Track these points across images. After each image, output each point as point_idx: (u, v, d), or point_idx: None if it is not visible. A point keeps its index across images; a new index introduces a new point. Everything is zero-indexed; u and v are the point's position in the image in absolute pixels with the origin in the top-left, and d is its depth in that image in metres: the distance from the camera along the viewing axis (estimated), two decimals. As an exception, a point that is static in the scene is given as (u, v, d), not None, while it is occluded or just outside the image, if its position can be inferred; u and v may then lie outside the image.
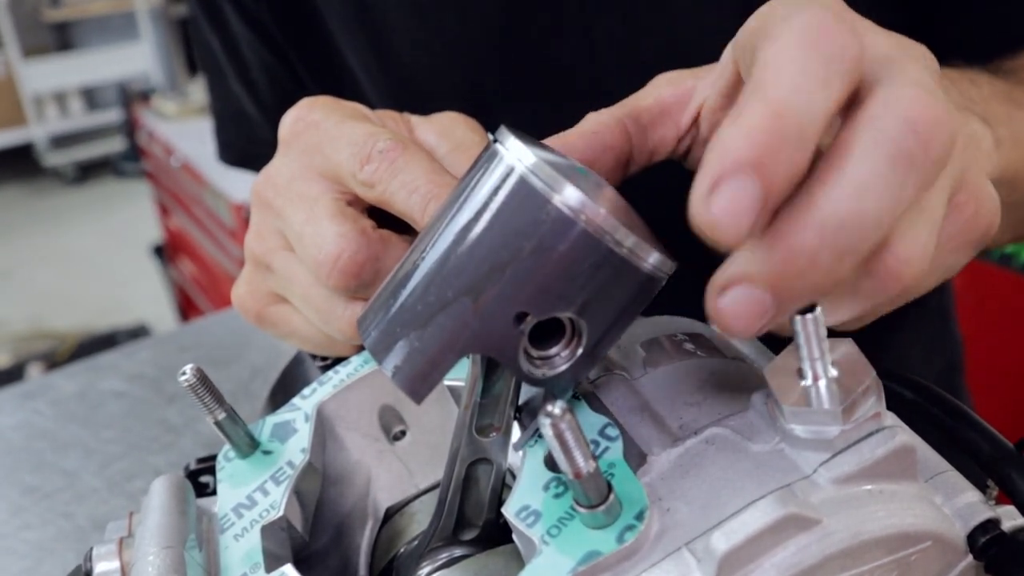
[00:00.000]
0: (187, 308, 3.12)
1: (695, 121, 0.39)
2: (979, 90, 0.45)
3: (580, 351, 0.30)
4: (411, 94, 0.65)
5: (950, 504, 0.32)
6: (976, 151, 0.36)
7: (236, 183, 2.30)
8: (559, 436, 0.27)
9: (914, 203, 0.27)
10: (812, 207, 0.26)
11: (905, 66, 0.28)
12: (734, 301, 0.27)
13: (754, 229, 0.26)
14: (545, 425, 0.27)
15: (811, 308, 0.28)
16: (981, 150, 0.38)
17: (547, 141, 0.36)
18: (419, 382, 0.31)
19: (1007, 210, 0.49)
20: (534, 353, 0.30)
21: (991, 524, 0.32)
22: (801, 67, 0.27)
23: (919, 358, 0.77)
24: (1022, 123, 0.44)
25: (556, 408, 0.27)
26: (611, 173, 0.37)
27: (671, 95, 0.39)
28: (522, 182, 0.28)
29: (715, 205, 0.26)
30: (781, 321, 0.28)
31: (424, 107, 0.47)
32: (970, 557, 0.32)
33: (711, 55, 0.39)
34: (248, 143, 0.77)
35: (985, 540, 0.31)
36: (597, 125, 0.37)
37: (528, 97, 0.64)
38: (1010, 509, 0.33)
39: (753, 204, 0.25)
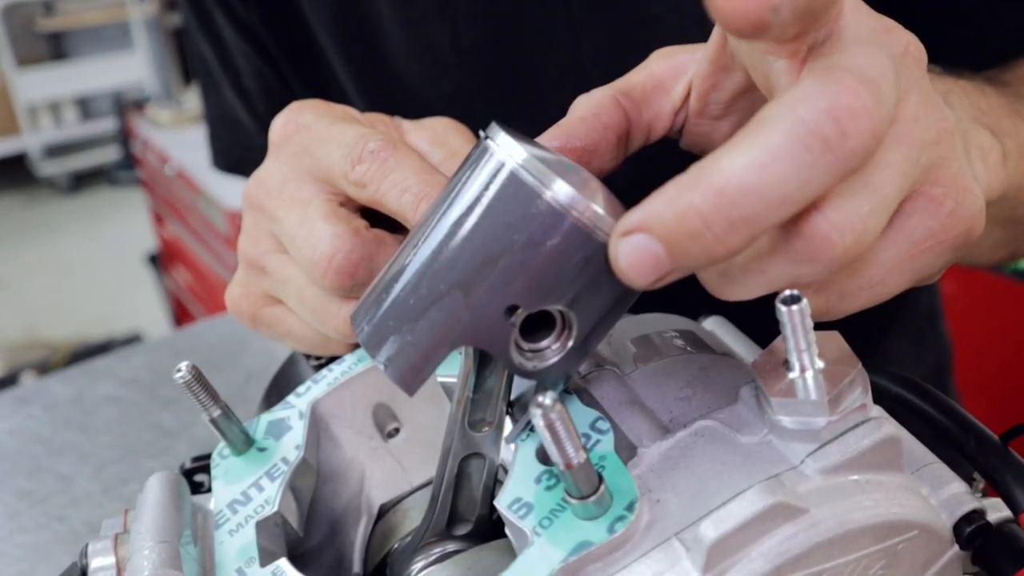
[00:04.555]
0: (181, 316, 3.12)
1: (688, 93, 0.38)
2: (987, 100, 0.44)
3: (571, 344, 0.31)
4: (402, 102, 0.66)
5: (936, 495, 0.32)
6: (967, 152, 0.35)
7: (231, 191, 2.30)
8: (550, 427, 0.27)
9: (856, 178, 0.27)
10: (715, 171, 0.25)
11: (852, 51, 0.27)
12: (633, 249, 0.26)
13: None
14: (536, 416, 0.27)
15: (797, 299, 0.28)
16: (987, 161, 0.37)
17: (548, 133, 0.36)
18: (411, 375, 0.31)
19: (1010, 225, 0.49)
20: (525, 346, 0.31)
21: (976, 515, 0.32)
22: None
23: (908, 359, 0.78)
24: None
25: (547, 399, 0.27)
26: (613, 151, 0.36)
27: (663, 69, 0.38)
28: (513, 177, 0.29)
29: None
30: (679, 277, 0.27)
31: (415, 115, 0.48)
32: (956, 547, 0.32)
33: None
34: (242, 150, 0.78)
35: (971, 530, 0.32)
36: (593, 106, 0.36)
37: (516, 108, 0.65)
38: (996, 501, 0.34)
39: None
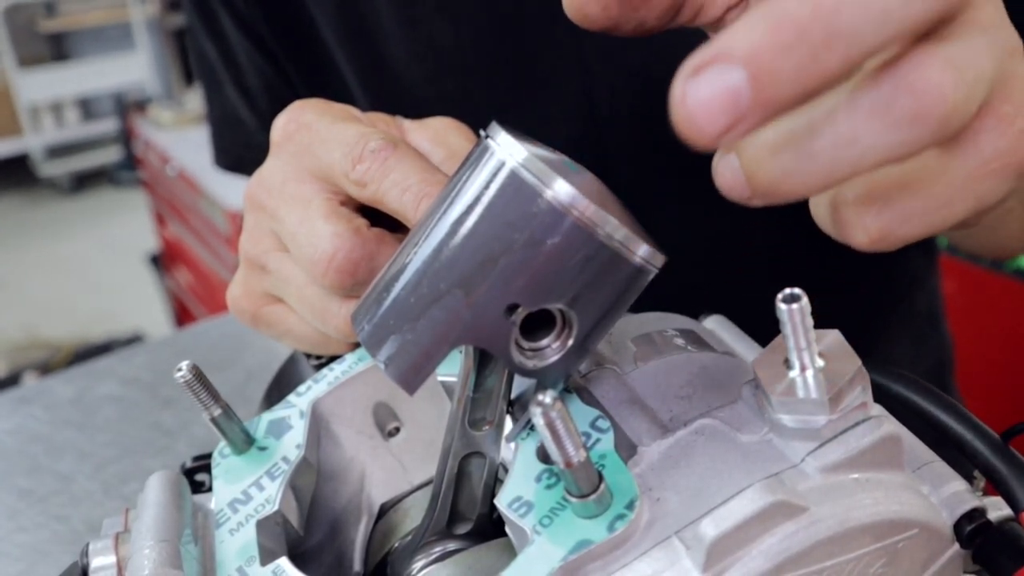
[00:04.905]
0: (183, 317, 3.12)
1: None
2: None
3: (571, 342, 0.31)
4: (404, 102, 0.66)
5: (936, 493, 0.32)
6: None
7: (232, 191, 2.30)
8: (550, 425, 0.27)
9: (957, 37, 0.25)
10: None
11: None
12: (705, 84, 0.23)
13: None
14: (536, 414, 0.27)
15: (797, 298, 0.28)
16: None
17: None
18: (412, 374, 0.31)
19: None
20: (525, 344, 0.31)
21: (977, 513, 0.32)
22: None
23: (908, 357, 0.78)
24: None
25: (547, 397, 0.27)
26: (664, 7, 0.35)
27: None
28: (513, 176, 0.29)
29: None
30: (752, 126, 0.23)
31: (416, 115, 0.48)
32: (956, 545, 0.32)
33: None
34: (244, 148, 0.78)
35: (971, 529, 0.32)
36: None
37: (518, 108, 0.65)
38: (997, 500, 0.33)
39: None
